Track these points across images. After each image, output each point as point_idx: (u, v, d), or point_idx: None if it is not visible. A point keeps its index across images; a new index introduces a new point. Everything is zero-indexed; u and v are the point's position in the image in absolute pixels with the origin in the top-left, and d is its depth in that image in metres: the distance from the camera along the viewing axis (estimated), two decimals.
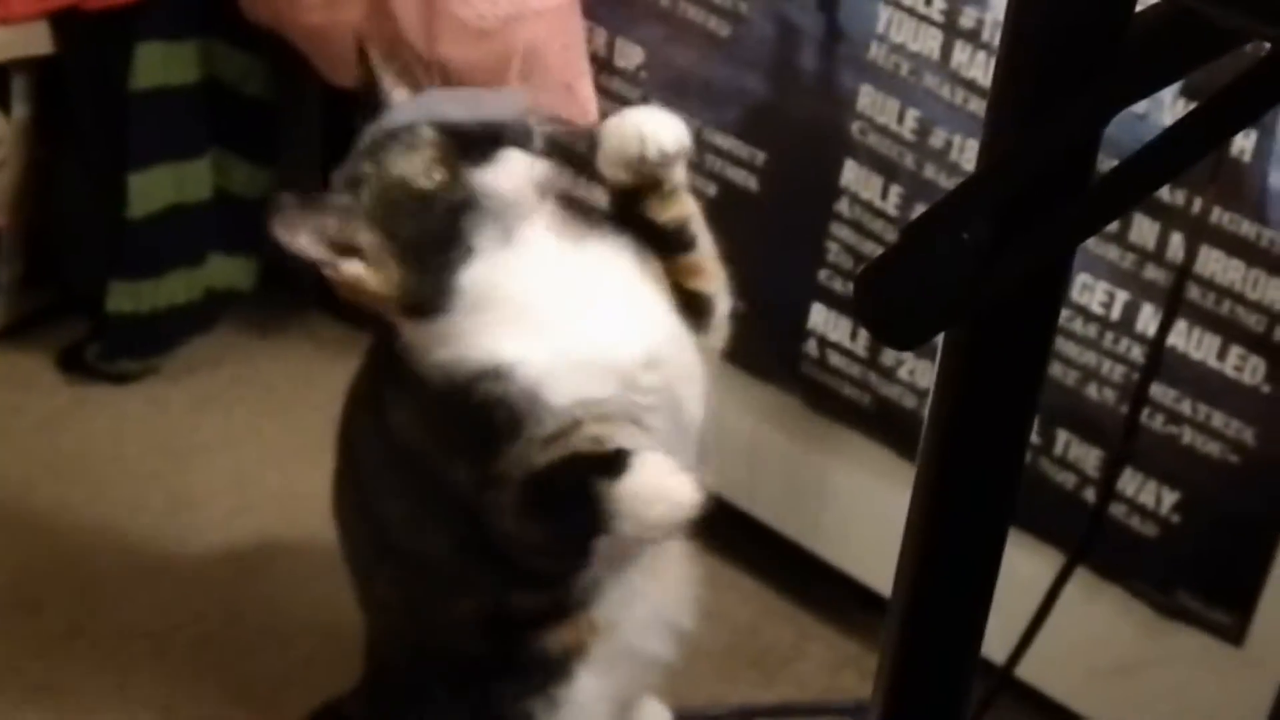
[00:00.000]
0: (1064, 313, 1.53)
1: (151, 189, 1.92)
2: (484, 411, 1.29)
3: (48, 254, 2.01)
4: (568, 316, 1.31)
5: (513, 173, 1.29)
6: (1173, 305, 1.46)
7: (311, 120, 2.00)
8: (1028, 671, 1.58)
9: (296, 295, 2.10)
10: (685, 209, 1.38)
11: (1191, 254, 1.44)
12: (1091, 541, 1.54)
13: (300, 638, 1.70)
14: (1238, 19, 0.70)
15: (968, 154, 1.54)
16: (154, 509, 1.84)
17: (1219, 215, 1.43)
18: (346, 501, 1.45)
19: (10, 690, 1.64)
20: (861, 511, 1.73)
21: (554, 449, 1.29)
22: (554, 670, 1.41)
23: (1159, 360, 1.48)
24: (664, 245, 1.37)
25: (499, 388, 1.29)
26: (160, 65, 1.88)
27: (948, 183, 1.58)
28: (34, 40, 1.86)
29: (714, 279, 1.41)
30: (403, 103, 1.37)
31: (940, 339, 0.81)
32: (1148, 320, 1.49)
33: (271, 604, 1.74)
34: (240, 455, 1.92)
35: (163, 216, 1.93)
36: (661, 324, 1.35)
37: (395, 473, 1.39)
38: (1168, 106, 1.40)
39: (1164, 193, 1.45)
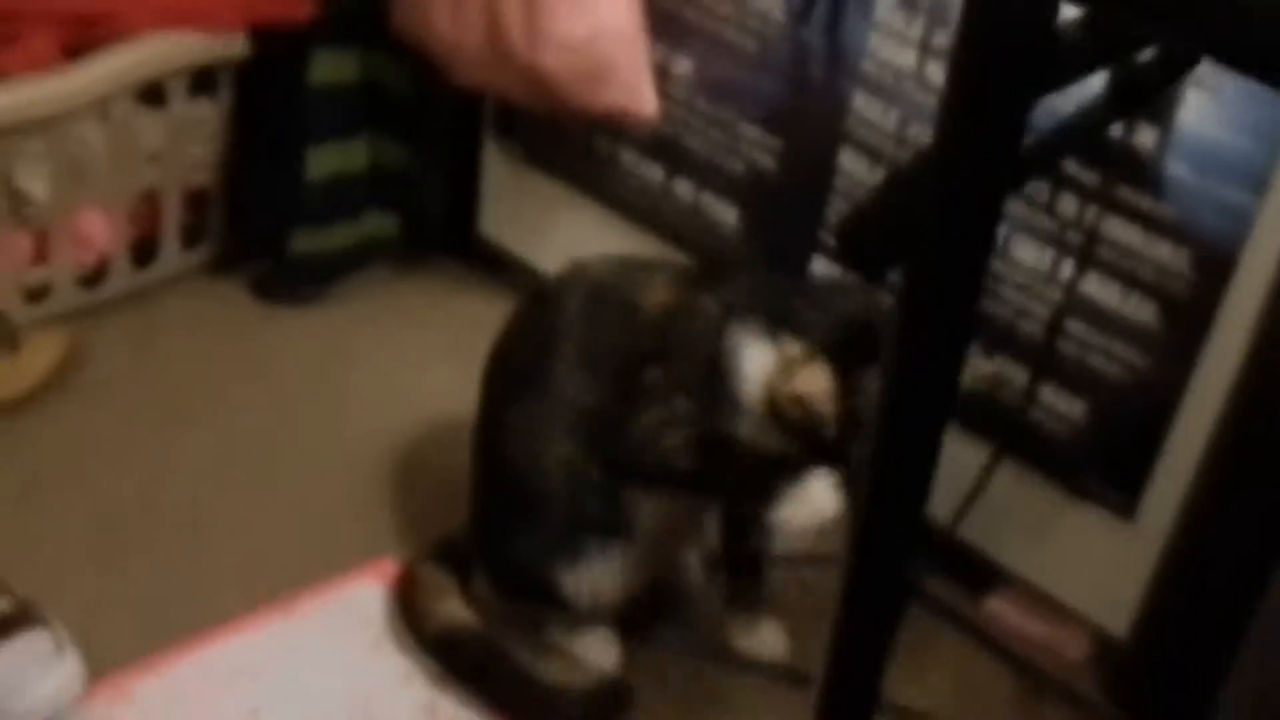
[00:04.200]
0: (1004, 265, 1.52)
1: (323, 160, 1.93)
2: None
3: (244, 207, 2.02)
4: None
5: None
6: (1085, 259, 1.45)
7: (443, 111, 2.00)
8: (967, 531, 1.59)
9: (430, 244, 2.11)
10: None
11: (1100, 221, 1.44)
12: (1018, 436, 1.54)
13: (427, 491, 1.72)
14: (1138, 27, 0.70)
15: None
16: (322, 400, 1.86)
17: (1125, 192, 1.42)
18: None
19: (208, 533, 1.65)
20: None
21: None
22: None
23: (1072, 302, 1.47)
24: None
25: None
26: (330, 67, 1.89)
27: None
28: (235, 46, 1.88)
29: None
30: None
31: (901, 272, 0.81)
32: (1067, 272, 1.49)
33: (406, 468, 1.76)
34: (384, 362, 1.94)
35: (331, 181, 1.94)
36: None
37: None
38: None
39: (1084, 176, 1.44)
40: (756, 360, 1.32)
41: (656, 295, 1.40)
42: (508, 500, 1.49)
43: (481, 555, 1.53)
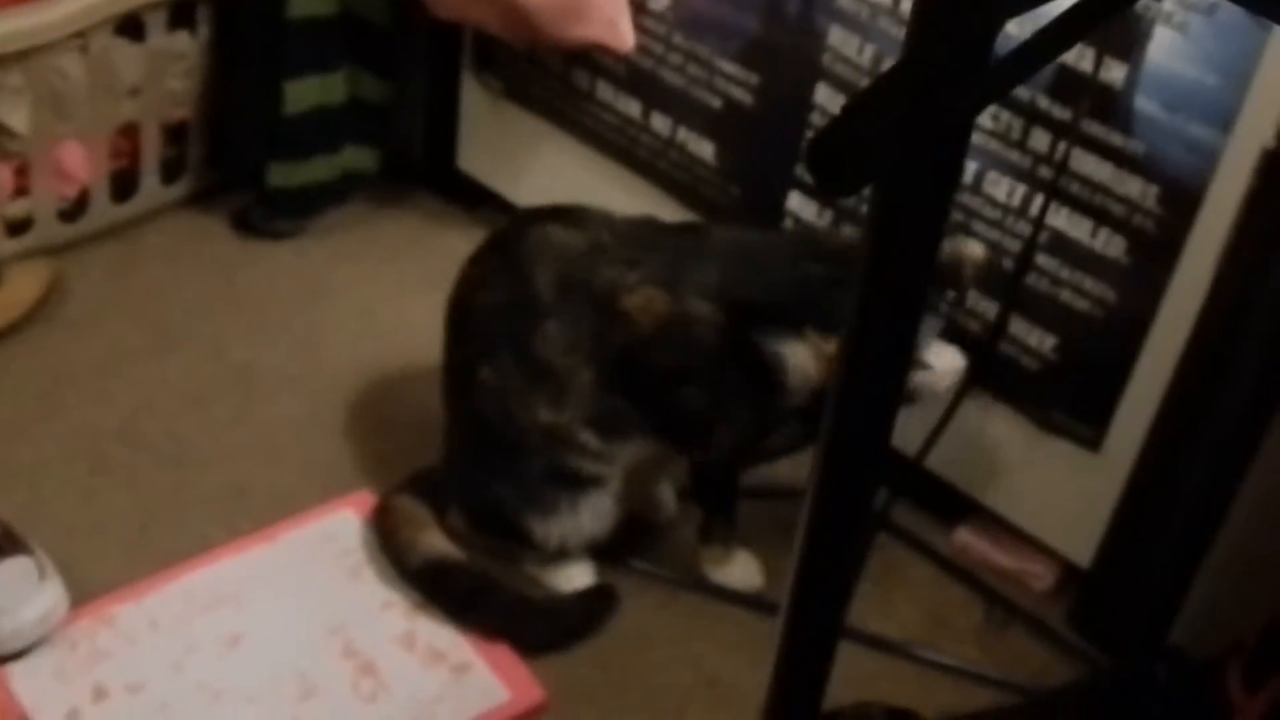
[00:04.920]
0: (976, 200, 1.53)
1: (301, 94, 1.92)
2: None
3: (223, 141, 2.02)
4: None
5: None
6: (1055, 195, 1.46)
7: (420, 44, 2.00)
8: (935, 462, 1.60)
9: (409, 178, 2.11)
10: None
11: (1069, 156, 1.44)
12: (986, 369, 1.55)
13: (404, 424, 1.73)
14: None
15: None
16: (298, 333, 1.87)
17: (1095, 128, 1.43)
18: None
19: (189, 463, 1.66)
20: None
21: None
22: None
23: (1043, 237, 1.48)
24: None
25: None
26: (309, 0, 1.87)
27: None
28: None
29: None
30: None
31: (869, 197, 0.81)
32: (1038, 206, 1.49)
33: (384, 400, 1.77)
34: (363, 295, 1.94)
35: (310, 114, 1.94)
36: None
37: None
38: None
39: (1054, 110, 1.44)
40: (799, 358, 1.43)
41: (639, 302, 1.43)
42: (479, 449, 1.51)
43: (455, 494, 1.55)
